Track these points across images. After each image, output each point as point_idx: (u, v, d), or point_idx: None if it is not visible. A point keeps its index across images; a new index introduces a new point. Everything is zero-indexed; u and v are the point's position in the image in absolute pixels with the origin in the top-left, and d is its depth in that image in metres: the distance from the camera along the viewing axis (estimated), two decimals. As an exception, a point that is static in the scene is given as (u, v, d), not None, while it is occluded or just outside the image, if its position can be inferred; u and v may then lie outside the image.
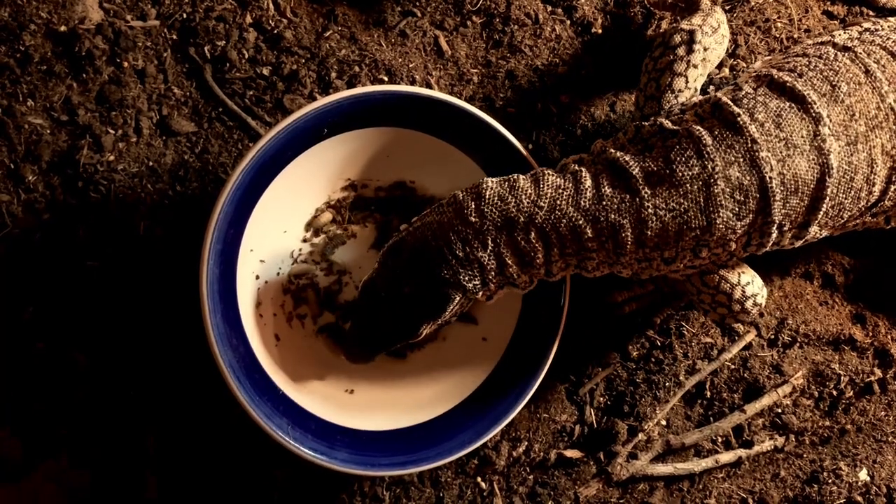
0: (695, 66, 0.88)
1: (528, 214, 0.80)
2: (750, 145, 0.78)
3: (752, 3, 1.09)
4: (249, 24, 1.03)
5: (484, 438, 0.93)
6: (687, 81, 0.88)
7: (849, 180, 0.81)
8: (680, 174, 0.79)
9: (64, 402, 0.98)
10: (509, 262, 0.81)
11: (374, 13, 1.05)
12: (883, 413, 1.07)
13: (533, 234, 0.80)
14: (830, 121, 0.80)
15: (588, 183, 0.80)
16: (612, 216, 0.79)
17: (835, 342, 1.08)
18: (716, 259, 0.85)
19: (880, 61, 0.84)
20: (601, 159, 0.84)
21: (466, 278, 0.81)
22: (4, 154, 0.99)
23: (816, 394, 1.07)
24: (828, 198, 0.81)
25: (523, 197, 0.80)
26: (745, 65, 1.08)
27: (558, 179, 0.81)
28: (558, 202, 0.80)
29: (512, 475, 1.03)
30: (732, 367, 1.06)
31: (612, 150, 0.83)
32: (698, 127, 0.80)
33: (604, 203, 0.79)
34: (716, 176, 0.78)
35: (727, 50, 1.08)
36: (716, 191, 0.78)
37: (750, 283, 0.89)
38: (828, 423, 1.07)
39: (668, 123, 0.83)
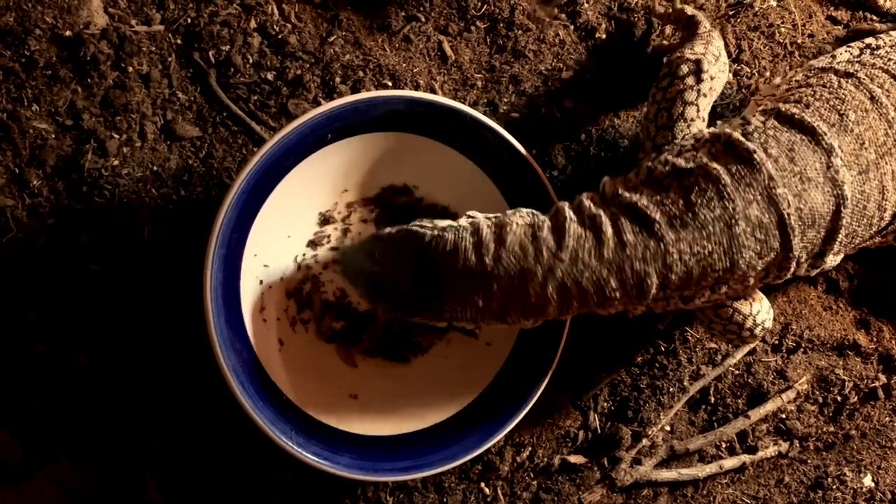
0: (704, 96, 0.88)
1: (549, 267, 0.78)
2: (767, 182, 0.78)
3: (756, 9, 1.09)
4: (254, 29, 1.03)
5: (488, 444, 0.93)
6: (698, 110, 0.87)
7: (861, 209, 0.81)
8: (703, 217, 0.77)
9: (65, 405, 0.98)
10: (512, 309, 0.80)
11: (378, 18, 1.05)
12: (887, 419, 1.07)
13: (550, 287, 0.78)
14: (842, 151, 0.80)
15: (609, 231, 0.78)
16: (637, 265, 0.78)
17: (839, 348, 1.08)
18: (732, 293, 0.84)
19: (884, 86, 0.84)
20: (616, 203, 0.82)
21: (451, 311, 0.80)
22: (9, 158, 0.99)
23: (821, 399, 1.07)
24: (843, 228, 0.80)
25: (544, 249, 0.78)
26: (748, 70, 1.08)
27: (579, 228, 0.79)
28: (580, 254, 0.78)
29: (516, 480, 1.03)
30: (736, 372, 1.06)
31: (627, 194, 0.81)
32: (715, 165, 0.79)
33: (627, 252, 0.78)
34: (737, 216, 0.77)
35: (730, 56, 1.08)
36: (738, 231, 0.77)
37: (760, 311, 0.89)
38: (832, 429, 1.07)
39: (681, 162, 0.81)
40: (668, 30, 1.07)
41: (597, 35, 1.07)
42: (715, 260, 0.78)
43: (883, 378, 1.07)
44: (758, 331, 0.89)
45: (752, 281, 0.82)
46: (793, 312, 1.08)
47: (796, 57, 1.09)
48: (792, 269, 0.81)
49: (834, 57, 0.90)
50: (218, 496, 1.00)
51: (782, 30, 1.10)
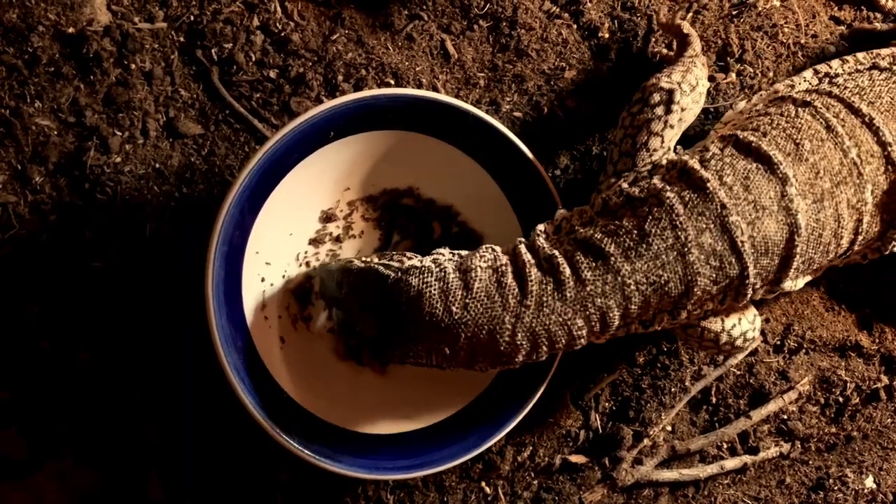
0: (671, 127, 0.87)
1: (516, 315, 0.79)
2: (720, 211, 0.78)
3: (759, 9, 1.09)
4: (257, 26, 1.03)
5: (488, 443, 0.93)
6: (662, 141, 0.87)
7: (817, 237, 0.82)
8: (656, 247, 0.78)
9: (69, 402, 0.99)
10: (481, 358, 0.81)
11: (380, 16, 1.05)
12: (889, 420, 1.07)
13: (519, 336, 0.79)
14: (797, 180, 0.80)
15: (567, 272, 0.79)
16: (599, 301, 0.78)
17: (841, 348, 1.08)
18: (693, 317, 0.85)
19: (839, 115, 0.84)
20: (570, 239, 0.82)
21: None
22: (12, 155, 0.99)
23: (822, 400, 1.07)
24: (798, 255, 0.81)
25: (510, 296, 0.79)
26: (751, 70, 1.08)
27: (539, 273, 0.79)
28: (545, 299, 0.78)
29: (516, 480, 1.03)
30: (738, 372, 1.06)
31: (582, 230, 0.82)
32: (668, 193, 0.79)
33: (588, 289, 0.78)
34: (689, 245, 0.78)
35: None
36: (691, 259, 0.78)
37: (735, 325, 0.88)
38: (834, 430, 1.07)
39: (635, 191, 0.82)
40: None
41: (600, 34, 1.07)
42: (671, 287, 0.79)
43: (885, 379, 1.07)
44: (739, 342, 0.89)
45: (710, 305, 0.83)
46: (795, 313, 1.08)
47: (799, 57, 1.09)
48: (749, 295, 0.82)
49: (792, 86, 0.91)
50: (219, 494, 1.00)
51: (785, 30, 1.10)
